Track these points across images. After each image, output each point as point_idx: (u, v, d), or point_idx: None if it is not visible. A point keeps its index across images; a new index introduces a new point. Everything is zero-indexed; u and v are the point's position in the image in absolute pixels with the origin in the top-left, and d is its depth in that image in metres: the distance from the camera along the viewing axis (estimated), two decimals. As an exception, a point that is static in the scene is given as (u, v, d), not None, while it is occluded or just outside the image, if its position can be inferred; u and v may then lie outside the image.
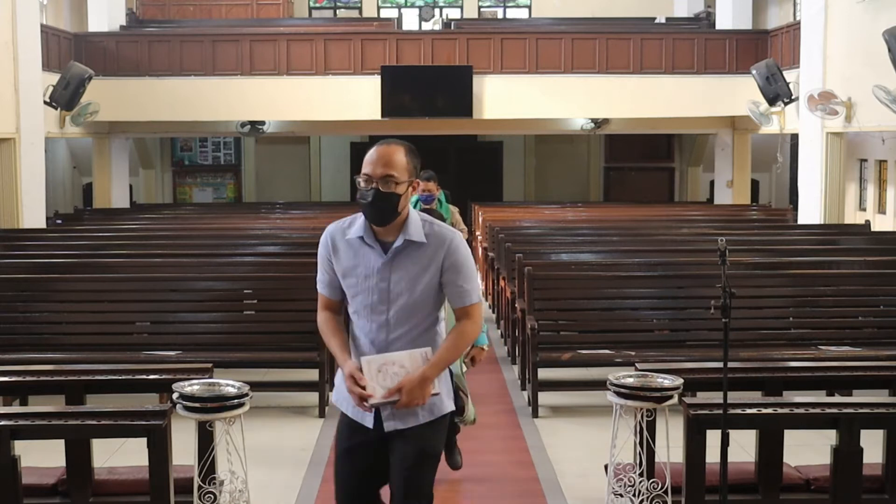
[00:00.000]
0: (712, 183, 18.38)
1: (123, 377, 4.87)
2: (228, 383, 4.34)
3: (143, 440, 3.96)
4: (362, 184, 3.43)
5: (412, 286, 3.46)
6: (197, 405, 4.17)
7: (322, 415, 6.84)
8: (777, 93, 13.72)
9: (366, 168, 3.44)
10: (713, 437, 4.04)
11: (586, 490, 5.36)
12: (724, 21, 16.57)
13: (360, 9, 21.16)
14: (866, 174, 14.22)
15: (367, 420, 3.48)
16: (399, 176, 3.42)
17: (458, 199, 11.26)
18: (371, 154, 3.47)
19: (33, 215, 12.12)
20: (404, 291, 3.47)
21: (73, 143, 18.07)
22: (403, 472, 3.49)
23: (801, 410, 4.19)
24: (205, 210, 16.66)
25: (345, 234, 3.56)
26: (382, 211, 3.43)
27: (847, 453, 4.14)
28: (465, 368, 5.26)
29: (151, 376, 4.80)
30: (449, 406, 3.58)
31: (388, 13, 20.66)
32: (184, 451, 4.31)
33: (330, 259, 3.56)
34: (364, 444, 3.51)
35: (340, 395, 3.54)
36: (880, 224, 13.19)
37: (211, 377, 4.60)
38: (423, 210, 7.83)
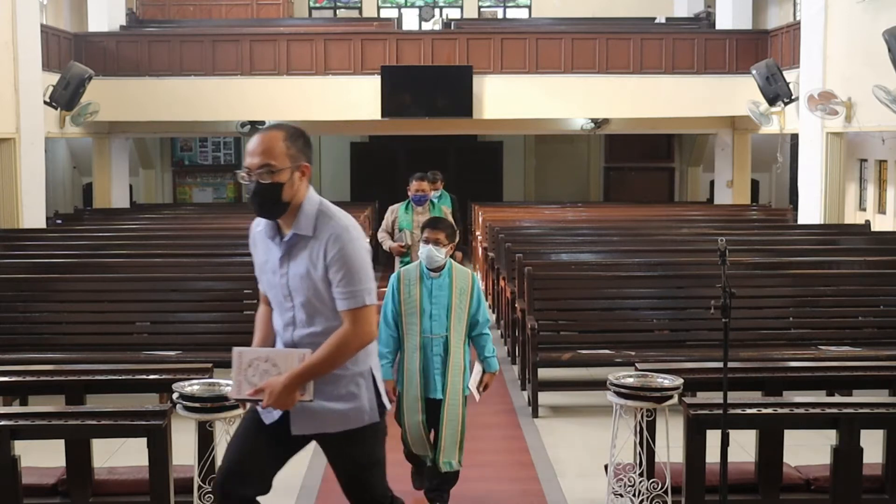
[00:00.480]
0: (712, 183, 18.38)
1: (123, 377, 4.87)
2: (228, 383, 4.33)
3: (143, 440, 3.96)
4: (245, 177, 3.28)
5: (306, 283, 3.29)
6: (197, 405, 4.18)
7: (322, 415, 6.83)
8: (777, 93, 13.72)
9: (245, 160, 3.29)
10: (713, 437, 4.05)
11: (586, 490, 5.36)
12: (724, 21, 16.57)
13: (360, 9, 21.15)
14: (866, 174, 14.21)
15: (268, 418, 3.37)
16: (278, 164, 3.24)
17: (458, 198, 11.25)
18: (249, 144, 3.31)
19: (33, 215, 12.12)
20: (300, 288, 3.31)
21: (73, 143, 18.07)
22: (346, 480, 3.44)
23: (801, 410, 4.19)
24: (205, 210, 16.64)
25: (258, 227, 3.48)
26: (263, 204, 3.29)
27: (847, 453, 4.14)
28: (478, 397, 4.94)
29: (151, 376, 4.80)
30: (370, 418, 3.37)
31: (388, 13, 20.66)
32: (184, 451, 4.31)
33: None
34: (272, 424, 3.38)
35: None
36: (880, 224, 13.18)
37: (211, 377, 4.61)
38: (417, 212, 7.82)
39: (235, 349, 3.36)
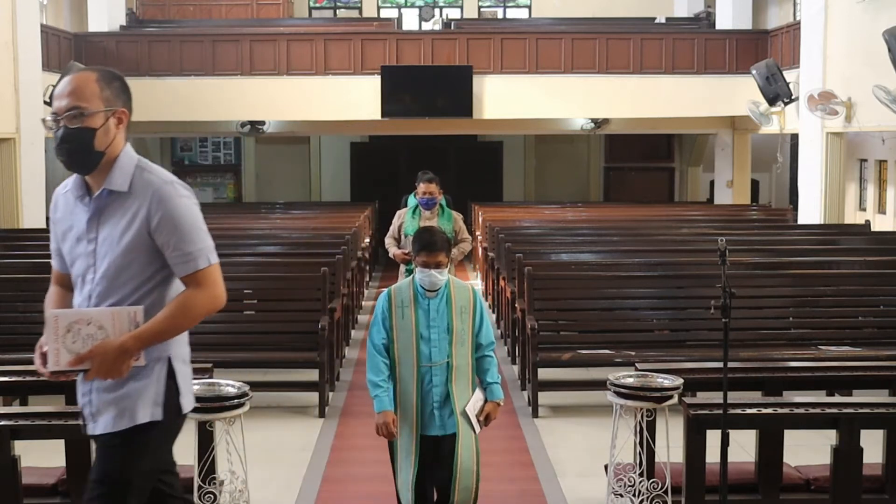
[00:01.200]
0: (712, 183, 18.38)
1: (123, 377, 4.86)
2: (228, 383, 4.35)
3: (143, 440, 3.96)
4: (51, 124, 2.89)
5: (117, 249, 2.87)
6: (197, 405, 4.16)
7: (322, 415, 6.84)
8: (777, 93, 13.71)
9: (52, 107, 2.91)
10: (713, 437, 4.05)
11: (586, 490, 5.35)
12: (724, 21, 16.57)
13: (360, 9, 21.16)
14: (866, 174, 14.22)
15: (91, 425, 2.94)
16: (89, 106, 2.86)
17: (458, 199, 11.25)
18: (56, 88, 2.92)
19: (33, 215, 12.12)
20: (107, 255, 2.88)
21: (73, 143, 18.06)
22: (93, 480, 2.90)
23: (801, 410, 4.19)
24: (205, 210, 16.30)
25: (64, 189, 3.03)
26: (73, 152, 2.86)
27: (847, 453, 4.15)
28: (478, 429, 4.17)
29: (151, 376, 4.78)
30: (153, 414, 2.90)
31: (388, 13, 20.66)
32: (184, 451, 4.30)
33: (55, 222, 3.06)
34: None
35: None
36: (880, 224, 13.19)
37: (211, 377, 4.61)
38: (424, 217, 7.68)
39: (50, 311, 2.84)
